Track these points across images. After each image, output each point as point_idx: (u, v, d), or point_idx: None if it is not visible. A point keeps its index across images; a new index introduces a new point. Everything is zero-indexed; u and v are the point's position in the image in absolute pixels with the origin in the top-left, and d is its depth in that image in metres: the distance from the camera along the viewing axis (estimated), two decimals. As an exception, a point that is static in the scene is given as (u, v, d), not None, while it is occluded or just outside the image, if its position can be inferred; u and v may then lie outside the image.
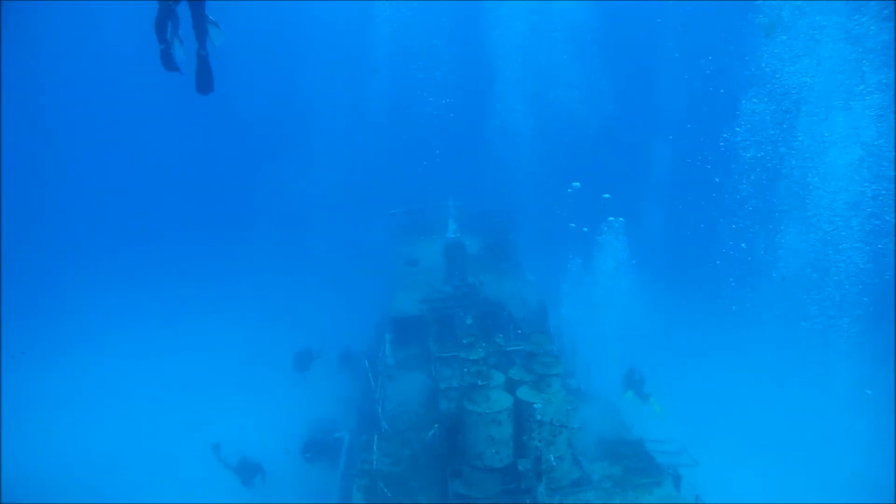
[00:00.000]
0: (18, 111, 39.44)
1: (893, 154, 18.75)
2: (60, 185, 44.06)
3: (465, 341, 12.54)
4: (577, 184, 26.70)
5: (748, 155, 23.32)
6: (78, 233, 41.38)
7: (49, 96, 43.98)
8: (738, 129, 22.98)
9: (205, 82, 8.78)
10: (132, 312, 32.69)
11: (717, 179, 26.69)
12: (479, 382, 11.33)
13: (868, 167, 19.45)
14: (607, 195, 24.56)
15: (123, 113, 45.02)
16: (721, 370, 24.93)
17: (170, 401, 23.84)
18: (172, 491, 18.28)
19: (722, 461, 17.67)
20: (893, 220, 19.65)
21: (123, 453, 20.88)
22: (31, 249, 38.75)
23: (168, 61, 8.46)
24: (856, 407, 21.06)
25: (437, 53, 33.26)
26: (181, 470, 19.24)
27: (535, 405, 10.82)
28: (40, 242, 39.91)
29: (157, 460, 20.23)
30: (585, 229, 21.93)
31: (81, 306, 33.02)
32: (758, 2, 19.90)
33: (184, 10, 8.37)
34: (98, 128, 45.40)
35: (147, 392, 24.96)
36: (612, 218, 21.13)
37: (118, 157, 45.95)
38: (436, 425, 13.24)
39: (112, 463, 20.36)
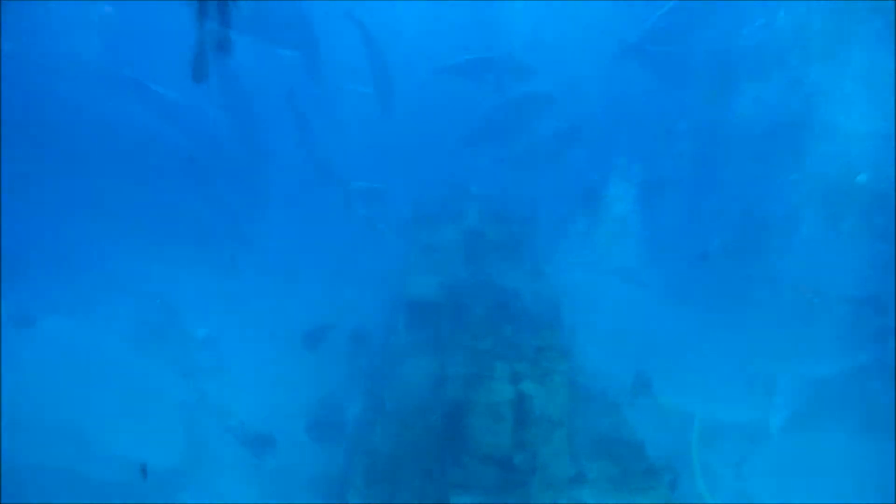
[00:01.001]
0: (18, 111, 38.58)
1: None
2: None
3: (473, 330, 12.67)
4: None
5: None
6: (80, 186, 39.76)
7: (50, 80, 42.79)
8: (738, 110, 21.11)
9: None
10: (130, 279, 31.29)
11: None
12: (483, 373, 11.46)
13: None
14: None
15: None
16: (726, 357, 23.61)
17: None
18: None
19: (723, 463, 17.37)
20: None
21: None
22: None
23: (202, 60, 8.50)
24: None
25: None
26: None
27: (534, 400, 10.89)
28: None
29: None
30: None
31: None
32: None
33: None
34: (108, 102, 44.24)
35: (151, 360, 23.81)
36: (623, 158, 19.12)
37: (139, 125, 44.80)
38: (438, 411, 13.40)
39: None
